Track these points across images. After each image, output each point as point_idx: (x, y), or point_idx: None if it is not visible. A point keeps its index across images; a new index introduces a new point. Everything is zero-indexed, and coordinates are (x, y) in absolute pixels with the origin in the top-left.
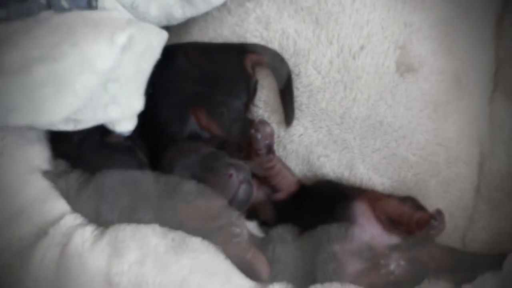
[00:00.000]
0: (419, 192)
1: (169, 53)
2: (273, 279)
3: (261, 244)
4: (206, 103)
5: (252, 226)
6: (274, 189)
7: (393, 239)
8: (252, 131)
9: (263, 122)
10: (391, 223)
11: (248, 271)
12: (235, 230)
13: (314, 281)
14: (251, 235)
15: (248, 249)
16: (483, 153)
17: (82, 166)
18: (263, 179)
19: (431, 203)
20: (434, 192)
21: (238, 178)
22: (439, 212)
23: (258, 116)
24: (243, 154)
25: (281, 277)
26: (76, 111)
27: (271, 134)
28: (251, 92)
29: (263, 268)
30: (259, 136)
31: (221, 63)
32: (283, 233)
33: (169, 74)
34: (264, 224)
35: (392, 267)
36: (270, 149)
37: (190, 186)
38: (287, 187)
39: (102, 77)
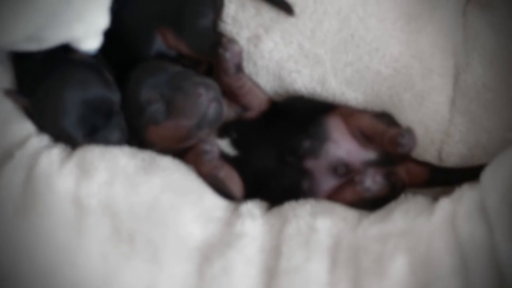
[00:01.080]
0: (394, 106)
1: None
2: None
3: (234, 162)
4: (172, 22)
5: (224, 144)
6: (244, 107)
7: (369, 154)
8: (220, 50)
9: (231, 41)
10: (366, 138)
11: (221, 189)
12: (205, 147)
13: (289, 199)
14: (224, 154)
15: (221, 167)
16: (457, 65)
17: (45, 84)
18: (233, 98)
19: (406, 117)
20: (408, 105)
21: (207, 97)
22: (408, 130)
23: (227, 32)
24: (214, 72)
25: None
26: (39, 28)
27: (240, 53)
28: (218, 8)
29: (236, 186)
30: (227, 55)
31: None
32: (252, 208)
33: None
34: (236, 142)
35: (367, 183)
36: (239, 68)
37: (158, 106)
38: (258, 105)
39: None
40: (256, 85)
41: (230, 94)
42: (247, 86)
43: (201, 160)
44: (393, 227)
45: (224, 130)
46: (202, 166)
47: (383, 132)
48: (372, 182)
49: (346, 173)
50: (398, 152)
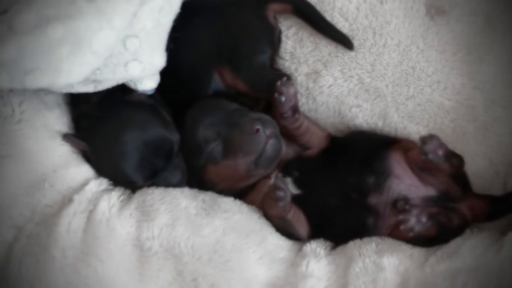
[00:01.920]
0: (457, 139)
1: (190, 8)
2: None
3: (298, 201)
4: (229, 60)
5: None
6: (304, 147)
7: (429, 191)
8: (276, 95)
9: (286, 83)
10: (424, 172)
11: (288, 231)
12: (279, 193)
13: (353, 236)
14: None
15: (289, 209)
16: None
17: (103, 127)
18: (292, 138)
19: (470, 150)
20: (472, 138)
21: (265, 133)
22: (431, 135)
23: (285, 68)
24: (272, 112)
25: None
26: (95, 71)
27: (295, 95)
28: (275, 44)
29: (302, 227)
30: (283, 99)
31: (242, 16)
32: (317, 247)
33: (190, 29)
34: (298, 181)
35: (411, 223)
36: (295, 110)
37: (215, 144)
38: (317, 143)
39: (121, 33)
40: (314, 123)
41: (288, 135)
42: (304, 126)
43: (271, 204)
44: (462, 263)
45: (285, 169)
46: (272, 210)
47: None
48: (417, 222)
49: (406, 209)
50: (428, 161)
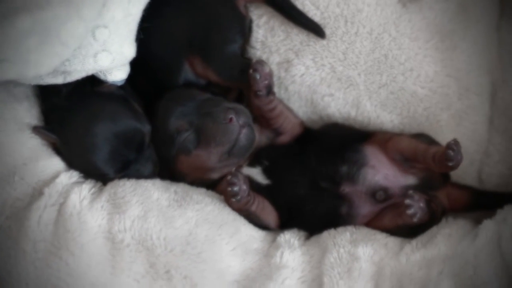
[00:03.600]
0: (431, 127)
1: None
2: (283, 226)
3: (266, 191)
4: (200, 49)
5: (255, 173)
6: (277, 132)
7: (409, 179)
8: (250, 71)
9: (261, 62)
10: (406, 162)
11: (255, 222)
12: (233, 189)
13: (327, 226)
14: (255, 183)
15: (252, 202)
16: (494, 83)
17: (73, 119)
18: (265, 123)
19: (444, 138)
20: (446, 126)
21: (238, 122)
22: (456, 142)
23: (256, 58)
24: (244, 98)
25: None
26: (64, 62)
27: (270, 74)
28: (246, 34)
29: (270, 216)
30: (257, 76)
31: (213, 6)
32: (291, 238)
33: (160, 19)
34: (268, 170)
35: (413, 209)
36: (270, 90)
37: (188, 134)
38: (290, 129)
39: (90, 24)
40: (288, 108)
41: (261, 118)
42: (278, 108)
43: (228, 199)
44: (437, 252)
45: (255, 159)
46: (231, 205)
47: (426, 150)
48: (418, 207)
49: (385, 199)
50: (448, 166)
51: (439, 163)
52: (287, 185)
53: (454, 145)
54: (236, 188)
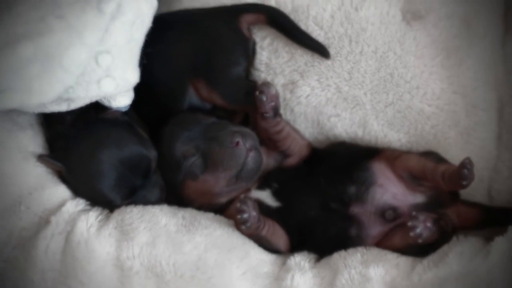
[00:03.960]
0: (439, 145)
1: (161, 23)
2: (293, 248)
3: (276, 214)
4: (204, 73)
5: (265, 196)
6: (284, 154)
7: (417, 197)
8: (257, 93)
9: (267, 84)
10: (414, 180)
11: (265, 246)
12: (242, 217)
13: (337, 247)
14: (265, 206)
15: (262, 226)
16: (501, 99)
17: (78, 147)
18: (272, 145)
19: (452, 156)
20: (454, 143)
21: (245, 145)
22: (469, 161)
23: (261, 80)
24: (250, 121)
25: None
26: (67, 89)
27: (276, 96)
28: (250, 56)
29: (280, 240)
30: (264, 98)
31: (215, 29)
32: (301, 260)
33: (163, 44)
34: (278, 193)
35: (419, 229)
36: (276, 112)
37: (194, 159)
38: (298, 151)
39: (92, 50)
40: (295, 129)
41: (268, 141)
42: (285, 130)
43: (238, 226)
44: (449, 271)
45: (264, 181)
46: (241, 230)
47: (435, 169)
48: (424, 228)
49: (395, 218)
50: (460, 185)
51: (449, 182)
52: (298, 207)
53: (468, 164)
54: (245, 216)
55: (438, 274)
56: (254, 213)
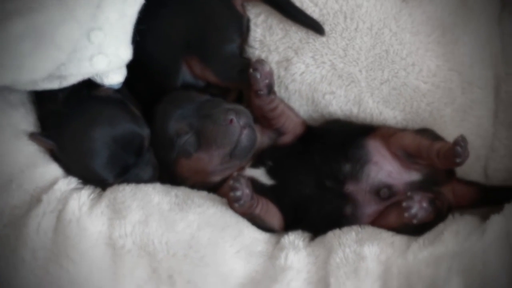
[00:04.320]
0: (435, 123)
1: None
2: (287, 227)
3: (271, 192)
4: (198, 50)
5: (259, 173)
6: (279, 132)
7: (412, 175)
8: (251, 70)
9: (261, 61)
10: (409, 158)
11: (259, 224)
12: (235, 194)
13: (332, 226)
14: (259, 184)
15: (256, 205)
16: (497, 76)
17: (70, 124)
18: (267, 123)
19: (448, 133)
20: (450, 121)
21: (239, 123)
22: (463, 138)
23: (255, 57)
24: (244, 99)
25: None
26: (59, 66)
27: (271, 73)
28: (244, 33)
29: (274, 218)
30: (258, 75)
31: (209, 5)
32: (295, 239)
33: (156, 21)
34: (272, 171)
35: (414, 209)
36: (270, 89)
37: (188, 137)
38: (292, 129)
39: (84, 26)
40: (289, 107)
41: (263, 118)
42: (280, 108)
43: (231, 204)
44: (444, 249)
45: (258, 159)
46: (234, 209)
47: (430, 146)
48: (419, 208)
49: (390, 196)
50: (455, 163)
51: (444, 159)
52: (292, 185)
53: (461, 141)
54: (238, 193)
55: (433, 252)
56: (247, 191)
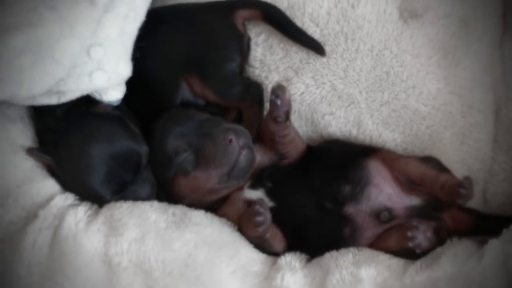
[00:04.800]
0: (434, 146)
1: (155, 17)
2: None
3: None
4: (198, 68)
5: (259, 196)
6: (282, 157)
7: (412, 200)
8: (272, 97)
9: (282, 87)
10: (411, 184)
11: (267, 249)
12: (259, 219)
13: (329, 248)
14: None
15: (268, 229)
16: (497, 100)
17: (68, 140)
18: (273, 147)
19: (448, 157)
20: (449, 144)
21: (238, 143)
22: (468, 179)
23: (255, 77)
24: (243, 119)
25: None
26: (58, 82)
27: (290, 100)
28: (244, 52)
29: (279, 243)
30: (279, 102)
31: (210, 24)
32: (292, 260)
33: (157, 38)
34: (272, 192)
35: (418, 240)
36: (288, 116)
37: (186, 155)
38: (295, 154)
39: (84, 42)
40: (298, 134)
41: (271, 142)
42: (291, 135)
43: (250, 227)
44: (442, 273)
45: (257, 180)
46: (250, 232)
47: (435, 178)
48: (424, 238)
49: (389, 220)
50: (458, 202)
51: (447, 194)
52: (292, 207)
53: (466, 183)
54: (261, 218)
55: (430, 276)
56: (269, 216)
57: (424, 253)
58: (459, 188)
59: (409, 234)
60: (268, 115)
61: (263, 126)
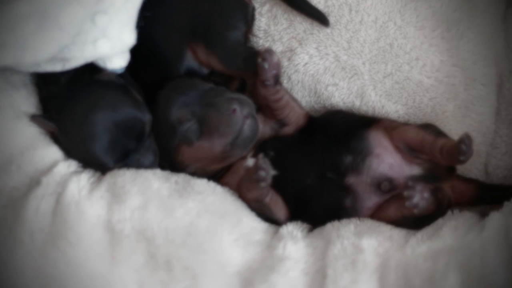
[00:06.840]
0: (437, 118)
1: None
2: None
3: (274, 182)
4: (203, 37)
5: None
6: (281, 123)
7: (413, 169)
8: (259, 60)
9: (270, 51)
10: (411, 152)
11: (266, 215)
12: (261, 174)
13: (331, 218)
14: None
15: (267, 193)
16: (500, 74)
17: (71, 108)
18: (270, 113)
19: (450, 129)
20: (452, 117)
21: (242, 113)
22: (467, 136)
23: (259, 46)
24: (247, 88)
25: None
26: (63, 48)
27: (278, 64)
28: (249, 21)
29: (280, 211)
30: (266, 65)
31: None
32: (293, 229)
33: (162, 6)
34: (274, 161)
35: (416, 199)
36: (277, 80)
37: (190, 124)
38: (295, 120)
39: (89, 9)
40: (294, 98)
41: (266, 108)
42: (284, 99)
43: (251, 185)
44: (443, 244)
45: (260, 150)
46: (250, 192)
47: (433, 142)
48: (421, 198)
49: (390, 190)
50: (458, 160)
51: (447, 156)
52: (294, 175)
53: (466, 139)
54: (264, 173)
55: (431, 247)
56: (272, 172)
57: (423, 221)
58: (460, 144)
59: (405, 193)
60: (257, 79)
61: (255, 92)
